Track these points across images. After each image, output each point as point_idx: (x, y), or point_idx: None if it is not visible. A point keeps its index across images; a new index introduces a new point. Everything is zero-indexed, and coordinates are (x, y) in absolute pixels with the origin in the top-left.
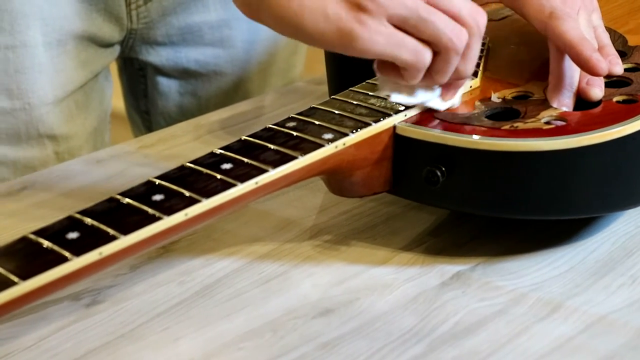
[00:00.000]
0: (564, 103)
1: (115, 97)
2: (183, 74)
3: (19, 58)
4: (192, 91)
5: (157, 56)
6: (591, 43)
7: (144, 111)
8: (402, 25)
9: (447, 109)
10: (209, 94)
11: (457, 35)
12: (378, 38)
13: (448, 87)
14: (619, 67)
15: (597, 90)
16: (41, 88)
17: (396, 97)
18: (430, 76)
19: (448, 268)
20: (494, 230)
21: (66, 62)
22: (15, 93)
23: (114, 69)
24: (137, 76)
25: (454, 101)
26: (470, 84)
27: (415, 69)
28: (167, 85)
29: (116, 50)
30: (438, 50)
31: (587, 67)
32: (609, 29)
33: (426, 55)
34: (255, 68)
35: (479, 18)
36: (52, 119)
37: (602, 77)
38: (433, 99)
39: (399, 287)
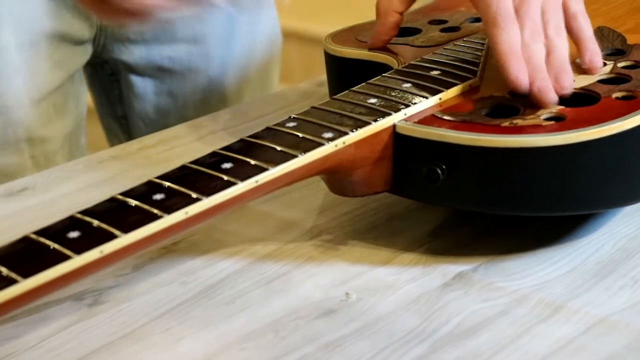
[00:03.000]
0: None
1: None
2: (157, 72)
3: None
4: (168, 91)
5: (130, 54)
6: (520, 58)
7: (121, 116)
8: None
9: None
10: (185, 92)
11: None
12: None
13: None
14: (597, 60)
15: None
16: (17, 90)
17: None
18: None
19: (450, 269)
20: (496, 231)
21: (40, 63)
22: None
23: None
24: (109, 82)
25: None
26: (469, 82)
27: None
28: (142, 86)
29: (88, 49)
30: None
31: (508, 82)
32: (608, 29)
33: None
34: (231, 65)
35: None
36: (30, 121)
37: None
38: None
39: (401, 287)
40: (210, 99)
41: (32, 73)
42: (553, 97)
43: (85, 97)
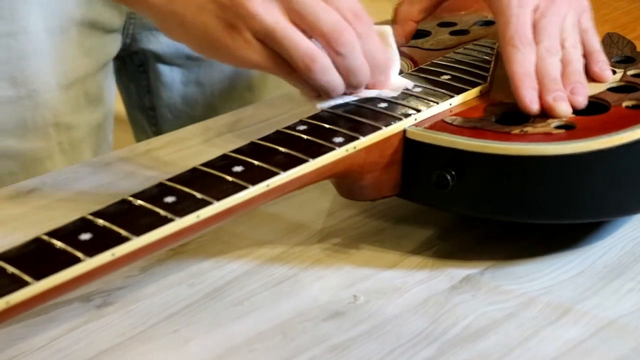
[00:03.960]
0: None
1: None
2: (185, 60)
3: (21, 44)
4: (196, 80)
5: (158, 43)
6: (533, 81)
7: (149, 108)
8: (264, 40)
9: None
10: (213, 81)
11: (306, 59)
12: (249, 53)
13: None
14: (608, 73)
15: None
16: (45, 74)
17: (321, 104)
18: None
19: (458, 272)
20: (503, 234)
21: (69, 49)
22: (19, 80)
23: None
24: (138, 72)
25: (382, 91)
26: (480, 88)
27: (292, 84)
28: (170, 76)
29: (118, 39)
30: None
31: (519, 104)
32: (617, 35)
33: (294, 72)
34: None
35: (338, 33)
36: (58, 105)
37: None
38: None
39: (408, 290)
40: (236, 88)
41: (61, 58)
42: (568, 109)
43: (114, 95)
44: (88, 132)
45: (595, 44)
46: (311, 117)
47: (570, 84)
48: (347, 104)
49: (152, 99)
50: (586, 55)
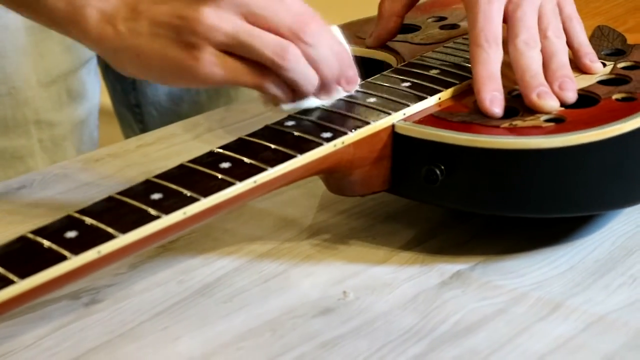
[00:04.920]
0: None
1: (104, 95)
2: None
3: (1, 42)
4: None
5: None
6: (496, 83)
7: (135, 105)
8: (231, 51)
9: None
10: None
11: (277, 52)
12: (214, 69)
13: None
14: (598, 65)
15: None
16: (25, 72)
17: (285, 107)
18: (290, 88)
19: (448, 267)
20: (493, 230)
21: (50, 46)
22: (0, 78)
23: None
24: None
25: (334, 97)
26: (469, 82)
27: (263, 89)
28: None
29: None
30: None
31: (480, 107)
32: (608, 28)
33: (264, 75)
34: None
35: (303, 24)
36: (38, 103)
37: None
38: (312, 99)
39: (398, 286)
40: None
41: (41, 56)
42: (554, 104)
43: (99, 91)
44: (71, 129)
45: (581, 34)
46: (300, 113)
47: (557, 79)
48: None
49: (137, 96)
50: (572, 47)
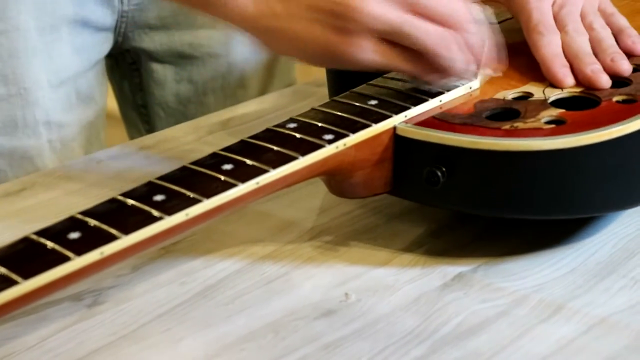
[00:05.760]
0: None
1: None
2: (177, 58)
3: (12, 43)
4: (188, 77)
5: (151, 41)
6: (563, 60)
7: (141, 105)
8: (389, 39)
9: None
10: (205, 79)
11: (438, 42)
12: (371, 55)
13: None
14: (639, 41)
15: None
16: (35, 73)
17: (435, 88)
18: (444, 73)
19: (450, 269)
20: (495, 232)
21: (61, 48)
22: (10, 78)
23: None
24: (130, 71)
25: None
26: (470, 85)
27: (420, 75)
28: (163, 74)
29: (110, 37)
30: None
31: (554, 82)
32: None
33: (421, 62)
34: (251, 51)
35: (463, 14)
36: (48, 104)
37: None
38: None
39: (400, 288)
40: (229, 85)
41: (52, 57)
42: (607, 80)
43: (107, 92)
44: (79, 131)
45: (624, 22)
46: (301, 115)
47: (608, 55)
48: (336, 101)
49: (144, 97)
50: (617, 33)
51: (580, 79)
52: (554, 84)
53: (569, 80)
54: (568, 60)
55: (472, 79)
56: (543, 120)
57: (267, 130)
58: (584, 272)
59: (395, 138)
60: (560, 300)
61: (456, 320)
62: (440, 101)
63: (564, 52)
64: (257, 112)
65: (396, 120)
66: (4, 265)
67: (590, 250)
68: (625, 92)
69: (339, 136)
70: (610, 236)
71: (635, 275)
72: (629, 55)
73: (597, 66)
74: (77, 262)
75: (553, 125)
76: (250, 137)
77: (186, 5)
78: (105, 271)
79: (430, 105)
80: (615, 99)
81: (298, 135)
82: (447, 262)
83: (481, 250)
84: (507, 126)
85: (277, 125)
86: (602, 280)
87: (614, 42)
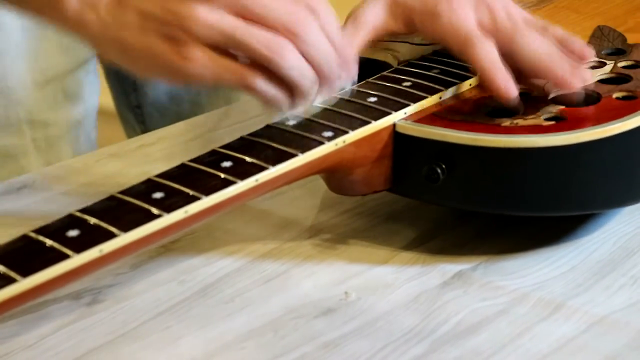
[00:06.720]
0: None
1: (106, 95)
2: None
3: None
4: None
5: None
6: (502, 69)
7: (136, 106)
8: (222, 48)
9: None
10: None
11: (271, 48)
12: (202, 68)
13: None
14: (589, 49)
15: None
16: (20, 71)
17: (286, 114)
18: (286, 87)
19: (449, 268)
20: (495, 230)
21: (46, 46)
22: None
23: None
24: (124, 71)
25: (333, 94)
26: (469, 81)
27: (254, 89)
28: None
29: None
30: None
31: (498, 94)
32: (608, 28)
33: (255, 74)
34: None
35: (299, 19)
36: (33, 103)
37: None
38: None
39: (400, 286)
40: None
41: (37, 56)
42: (588, 75)
43: (98, 92)
44: (66, 130)
45: (559, 31)
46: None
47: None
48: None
49: (138, 97)
50: (559, 44)
51: (556, 84)
52: (499, 97)
53: (513, 92)
54: (533, 65)
55: (319, 93)
56: (543, 116)
57: (267, 127)
58: (583, 270)
59: (395, 135)
60: (560, 298)
61: (456, 319)
62: (440, 98)
63: (523, 55)
64: (255, 109)
65: (396, 117)
66: (3, 263)
67: (590, 248)
68: (625, 89)
69: (338, 133)
70: (610, 234)
71: (635, 273)
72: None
73: (566, 63)
74: (76, 260)
75: (553, 122)
76: (250, 134)
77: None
78: (104, 269)
79: (429, 102)
80: (615, 95)
81: (297, 132)
82: (446, 260)
83: (481, 249)
84: (507, 123)
85: (277, 123)
86: (602, 278)
87: (561, 33)
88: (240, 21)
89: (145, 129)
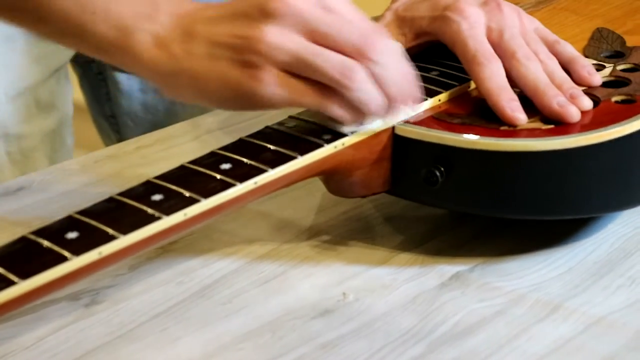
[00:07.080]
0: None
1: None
2: None
3: None
4: (154, 87)
5: None
6: (510, 92)
7: (110, 115)
8: (294, 71)
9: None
10: None
11: (342, 72)
12: (276, 90)
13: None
14: (596, 77)
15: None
16: None
17: (347, 129)
18: (354, 108)
19: (447, 269)
20: (493, 231)
21: (16, 58)
22: None
23: (74, 78)
24: (97, 81)
25: (398, 118)
26: (468, 84)
27: (327, 110)
28: (128, 84)
29: None
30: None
31: (503, 118)
32: (607, 30)
33: (327, 95)
34: None
35: (370, 42)
36: (5, 117)
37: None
38: (376, 120)
39: (398, 287)
40: None
41: (7, 68)
42: (577, 110)
43: (71, 97)
44: (41, 140)
45: (572, 50)
46: (300, 114)
47: (565, 91)
48: None
49: (112, 107)
50: (567, 64)
51: (546, 114)
52: (503, 120)
53: (520, 115)
54: (527, 93)
55: (385, 116)
56: (542, 120)
57: (266, 129)
58: (581, 271)
59: (394, 137)
60: (558, 299)
61: (453, 320)
62: (439, 101)
63: (518, 82)
64: (257, 111)
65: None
66: (1, 265)
67: (588, 249)
68: (624, 92)
69: (337, 136)
70: (608, 235)
71: (632, 274)
72: (584, 86)
73: (562, 98)
74: (75, 262)
75: (552, 126)
76: (249, 136)
77: (89, 53)
78: (102, 271)
79: (428, 105)
80: (614, 99)
81: (297, 135)
82: (444, 261)
83: (478, 250)
84: (505, 126)
85: (276, 124)
86: (600, 279)
87: (566, 75)
88: (309, 43)
89: (121, 138)
